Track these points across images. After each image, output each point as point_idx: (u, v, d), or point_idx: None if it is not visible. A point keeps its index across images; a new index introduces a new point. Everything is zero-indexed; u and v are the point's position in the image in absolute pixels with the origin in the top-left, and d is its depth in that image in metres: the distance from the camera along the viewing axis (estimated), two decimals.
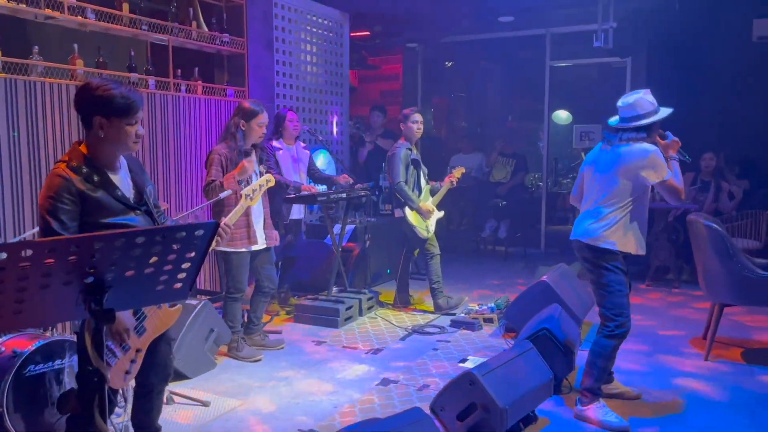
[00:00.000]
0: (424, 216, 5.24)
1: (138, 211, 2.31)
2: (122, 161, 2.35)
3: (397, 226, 6.51)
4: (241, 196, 3.10)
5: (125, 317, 2.30)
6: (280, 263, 5.21)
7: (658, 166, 3.20)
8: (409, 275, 5.63)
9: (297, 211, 5.25)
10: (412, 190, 5.21)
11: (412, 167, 5.22)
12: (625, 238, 3.26)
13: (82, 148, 2.24)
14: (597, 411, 3.28)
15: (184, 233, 1.56)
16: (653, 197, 6.13)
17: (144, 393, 2.60)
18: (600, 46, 6.60)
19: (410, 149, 5.23)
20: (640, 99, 3.28)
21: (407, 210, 5.20)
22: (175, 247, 1.58)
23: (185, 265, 1.66)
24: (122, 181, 2.31)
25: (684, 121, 7.65)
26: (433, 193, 5.45)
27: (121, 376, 2.36)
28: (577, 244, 3.38)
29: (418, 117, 5.24)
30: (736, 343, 4.54)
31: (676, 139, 3.35)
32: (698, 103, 7.91)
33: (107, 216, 2.22)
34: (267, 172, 4.00)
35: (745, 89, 7.75)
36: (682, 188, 3.25)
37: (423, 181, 5.35)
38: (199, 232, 1.59)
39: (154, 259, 1.58)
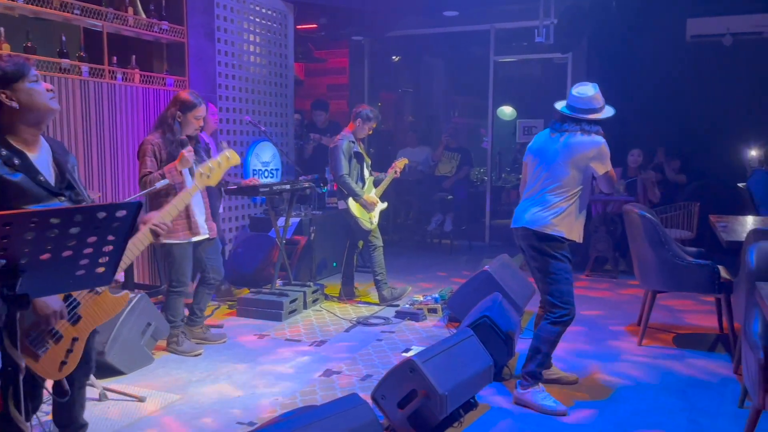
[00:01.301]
0: (368, 208, 5.24)
1: (62, 197, 2.21)
2: (43, 142, 2.24)
3: (343, 219, 6.49)
4: (183, 186, 2.99)
5: (52, 301, 2.13)
6: None
7: (605, 157, 3.31)
8: (354, 268, 5.61)
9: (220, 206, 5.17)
10: (356, 182, 5.20)
11: (354, 160, 5.21)
12: (572, 227, 3.32)
13: None
14: (536, 395, 3.34)
15: (104, 213, 1.49)
16: (592, 189, 6.34)
17: (74, 388, 2.49)
18: (542, 42, 6.73)
19: (353, 142, 5.21)
20: (598, 93, 3.35)
21: (350, 202, 5.18)
22: (95, 228, 1.51)
23: (107, 248, 1.59)
24: (44, 163, 2.20)
25: (620, 117, 7.91)
26: (376, 184, 5.45)
27: (56, 366, 2.25)
28: (523, 232, 3.40)
29: (375, 125, 5.30)
30: (668, 329, 4.71)
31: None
32: (634, 99, 8.16)
33: (28, 202, 2.11)
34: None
35: (679, 87, 8.05)
36: (615, 177, 3.41)
37: (366, 173, 5.34)
38: (121, 213, 1.53)
39: (72, 241, 1.51)
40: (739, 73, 7.76)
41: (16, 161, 2.10)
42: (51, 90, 2.18)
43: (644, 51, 8.15)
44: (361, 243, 5.45)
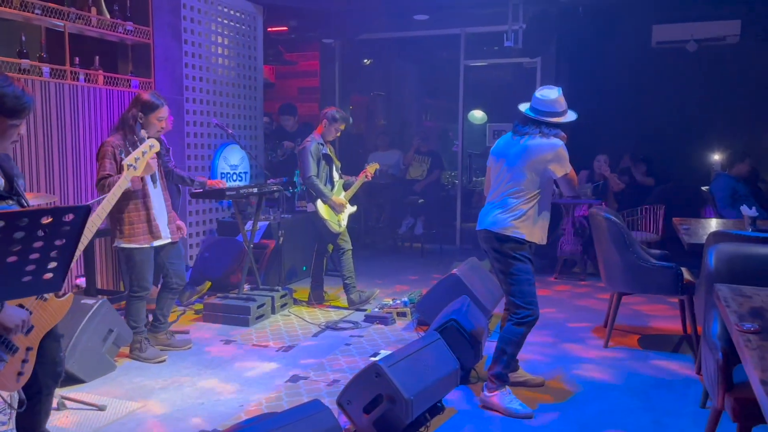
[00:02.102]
0: (337, 210, 5.21)
1: (11, 200, 2.16)
2: None
3: (312, 222, 6.44)
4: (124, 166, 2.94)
5: (17, 312, 2.07)
6: None
7: (564, 159, 3.32)
8: (323, 272, 5.57)
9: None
10: (324, 184, 5.16)
11: (323, 162, 5.18)
12: (532, 229, 3.34)
13: None
14: (502, 398, 3.35)
15: (50, 218, 1.44)
16: (559, 193, 6.41)
17: (32, 394, 2.42)
18: (511, 46, 6.78)
19: (322, 144, 5.18)
20: (561, 96, 3.38)
21: (319, 204, 5.15)
22: (41, 233, 1.47)
23: (54, 254, 1.54)
24: None
25: (588, 121, 8.01)
26: (346, 187, 5.42)
27: (14, 378, 2.19)
28: (485, 235, 3.42)
29: (342, 126, 5.26)
30: (634, 331, 4.77)
31: (564, 135, 3.45)
32: (602, 104, 8.28)
33: None
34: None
35: (645, 91, 8.19)
36: (577, 179, 3.43)
37: (335, 175, 5.31)
38: (69, 217, 1.48)
39: (17, 247, 1.46)
40: (703, 78, 7.92)
41: None
42: (21, 136, 2.19)
43: (611, 56, 8.26)
44: (330, 246, 5.41)
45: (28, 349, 2.22)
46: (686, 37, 7.78)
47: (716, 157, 7.24)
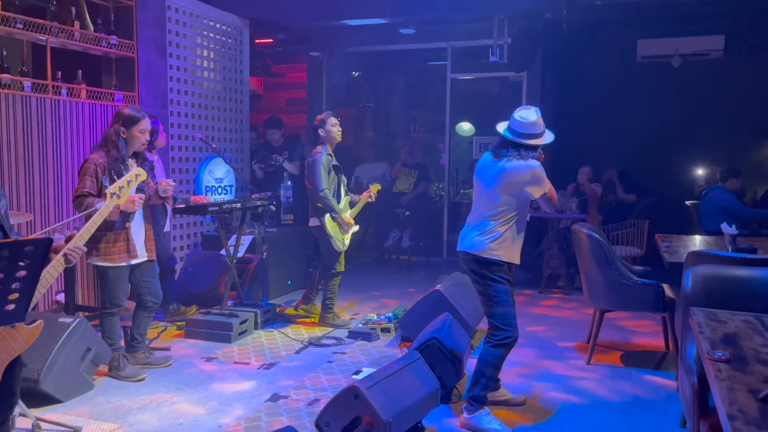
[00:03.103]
0: (344, 228, 5.09)
1: None
2: None
3: (297, 237, 6.41)
4: (107, 195, 2.93)
5: None
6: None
7: (540, 180, 3.31)
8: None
9: (167, 224, 5.05)
10: (332, 198, 5.03)
11: (333, 173, 5.05)
12: (510, 250, 3.34)
13: None
14: (481, 419, 3.33)
15: (7, 251, 1.42)
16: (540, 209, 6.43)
17: None
18: (496, 61, 6.81)
19: (330, 155, 5.06)
20: (540, 118, 3.35)
21: (327, 219, 4.99)
22: (1, 265, 1.44)
23: (16, 285, 1.51)
24: None
25: (573, 135, 8.07)
26: (351, 205, 5.32)
27: None
28: (464, 256, 3.43)
29: (334, 120, 5.09)
30: (617, 347, 4.77)
31: (542, 154, 3.42)
32: (587, 117, 8.34)
33: None
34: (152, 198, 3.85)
35: (630, 106, 8.26)
36: (556, 197, 3.46)
37: (342, 191, 5.20)
38: (29, 249, 1.46)
39: None
40: (687, 93, 8.00)
41: None
42: None
43: (596, 71, 8.34)
44: (341, 266, 5.24)
45: None
46: (671, 52, 7.85)
47: (700, 171, 7.30)
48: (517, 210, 3.33)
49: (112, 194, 2.90)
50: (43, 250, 1.48)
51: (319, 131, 5.08)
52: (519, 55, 6.83)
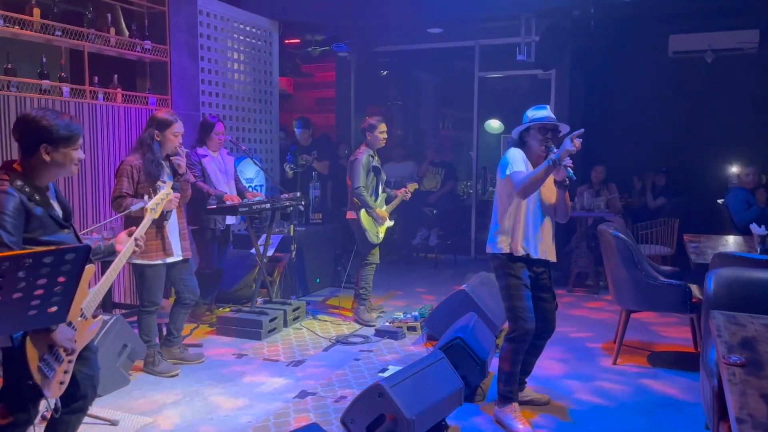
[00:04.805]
0: (378, 222, 5.32)
1: (67, 230, 2.45)
2: (51, 185, 2.49)
3: (327, 234, 6.54)
4: (146, 210, 3.08)
5: (67, 331, 2.35)
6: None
7: (511, 162, 3.29)
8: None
9: (228, 217, 5.22)
10: (370, 195, 5.27)
11: (372, 174, 5.29)
12: (514, 241, 3.35)
13: (17, 168, 2.37)
14: (507, 416, 3.38)
15: (51, 258, 1.53)
16: (573, 206, 6.41)
17: (71, 403, 2.57)
18: (523, 60, 6.80)
19: (372, 156, 5.30)
20: (527, 111, 3.42)
21: (362, 213, 5.25)
22: (43, 271, 1.55)
23: (58, 289, 1.62)
24: (53, 201, 2.46)
25: (603, 133, 8.00)
26: (387, 201, 5.55)
27: (57, 386, 2.38)
28: (487, 253, 3.52)
29: (383, 127, 5.35)
30: (644, 347, 4.75)
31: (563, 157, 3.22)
32: (618, 115, 8.26)
33: (45, 234, 2.36)
34: (180, 183, 3.97)
35: (662, 102, 8.14)
36: (523, 185, 3.19)
37: (380, 189, 5.44)
38: (70, 256, 1.57)
39: (22, 284, 1.55)
40: (721, 89, 7.85)
41: (37, 197, 2.35)
42: (81, 159, 2.48)
43: (627, 67, 8.24)
44: (375, 258, 5.46)
45: (70, 361, 2.42)
46: (704, 47, 7.73)
47: (734, 169, 7.17)
48: (509, 201, 3.35)
49: (151, 209, 3.09)
50: (83, 256, 1.59)
51: (367, 134, 5.32)
52: (547, 53, 6.81)
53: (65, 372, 2.40)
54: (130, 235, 2.81)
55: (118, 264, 2.69)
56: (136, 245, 2.77)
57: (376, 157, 5.37)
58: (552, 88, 7.87)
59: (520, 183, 3.21)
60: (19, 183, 2.31)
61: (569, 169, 3.20)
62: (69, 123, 2.43)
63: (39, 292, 1.60)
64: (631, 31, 7.92)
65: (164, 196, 3.25)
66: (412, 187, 5.69)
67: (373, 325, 5.23)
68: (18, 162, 2.40)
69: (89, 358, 2.62)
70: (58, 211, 2.46)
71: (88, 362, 2.61)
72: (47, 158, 2.36)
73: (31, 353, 2.24)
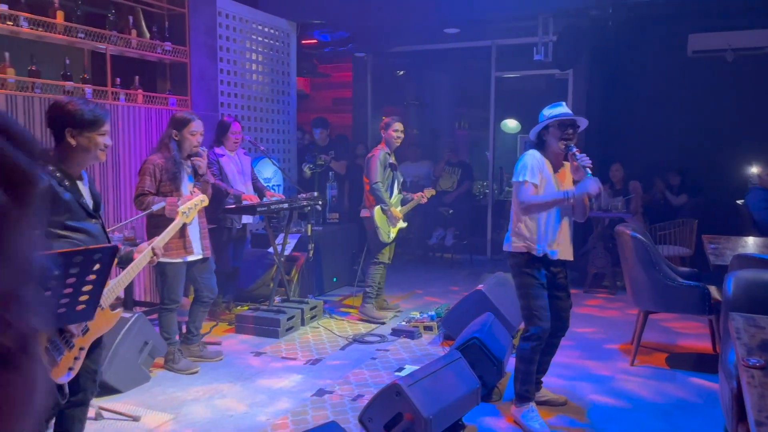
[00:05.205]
0: (392, 221, 5.33)
1: (95, 220, 2.50)
2: (84, 175, 2.54)
3: (343, 234, 6.57)
4: (177, 213, 3.16)
5: None
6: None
7: (522, 169, 3.30)
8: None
9: (245, 216, 5.28)
10: (385, 191, 5.29)
11: (389, 170, 5.33)
12: (528, 240, 3.35)
13: (50, 154, 2.43)
14: (525, 415, 3.39)
15: (81, 258, 1.57)
16: (591, 205, 6.38)
17: (71, 397, 2.60)
18: (541, 59, 6.78)
19: (389, 154, 5.34)
20: (543, 110, 3.42)
21: (376, 210, 5.28)
22: (73, 271, 1.60)
23: (86, 288, 1.67)
24: (84, 190, 2.51)
25: (622, 133, 7.95)
26: (403, 203, 5.56)
27: (65, 372, 2.41)
28: (504, 253, 3.54)
29: (399, 126, 5.37)
30: (662, 348, 4.73)
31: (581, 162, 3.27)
32: (636, 115, 8.19)
33: (71, 219, 2.41)
34: (201, 183, 4.03)
35: (681, 102, 8.07)
36: (530, 204, 3.24)
37: (396, 188, 5.45)
38: (97, 256, 1.61)
39: (52, 283, 1.59)
40: (741, 88, 7.76)
41: (67, 183, 2.42)
42: (107, 146, 2.54)
43: (645, 67, 8.17)
44: (386, 256, 5.51)
45: (81, 348, 2.46)
46: (724, 47, 7.64)
47: (754, 169, 7.09)
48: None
49: (183, 213, 3.17)
50: (111, 257, 1.64)
51: (382, 133, 5.36)
52: (564, 53, 6.78)
53: (76, 359, 2.43)
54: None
55: (136, 265, 2.74)
56: (154, 253, 2.80)
57: (393, 157, 5.40)
58: (569, 87, 7.84)
59: (528, 201, 3.25)
60: (50, 167, 2.38)
61: (588, 170, 3.21)
62: (94, 108, 2.51)
63: (68, 290, 1.65)
64: (649, 31, 7.86)
65: (198, 202, 3.32)
66: (430, 192, 5.72)
67: (383, 322, 5.29)
68: (51, 150, 2.48)
69: (96, 353, 2.66)
70: (89, 200, 2.53)
71: (94, 357, 2.64)
72: (73, 142, 2.44)
73: (40, 334, 2.28)
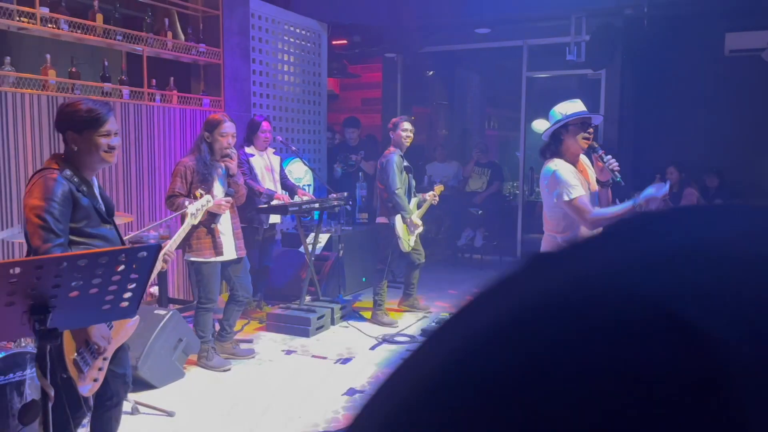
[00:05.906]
0: (410, 229, 5.24)
1: (109, 225, 2.48)
2: (94, 180, 2.50)
3: (372, 235, 6.58)
4: (186, 215, 3.20)
5: (104, 328, 2.37)
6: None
7: (560, 183, 3.04)
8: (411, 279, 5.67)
9: (272, 216, 5.33)
10: (404, 196, 5.19)
11: (405, 173, 5.23)
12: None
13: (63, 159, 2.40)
14: None
15: (125, 256, 1.61)
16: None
17: (104, 401, 2.65)
18: (573, 59, 6.72)
19: (401, 156, 5.22)
20: (555, 108, 3.25)
21: (398, 219, 5.14)
22: (117, 268, 1.64)
23: (130, 285, 1.71)
24: (97, 194, 2.49)
25: (657, 133, 7.82)
26: (419, 206, 5.48)
27: (90, 383, 2.44)
28: None
29: (407, 125, 5.22)
30: None
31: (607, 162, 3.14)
32: (671, 115, 8.06)
33: (89, 225, 2.39)
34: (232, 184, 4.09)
35: (717, 102, 7.91)
36: (588, 210, 3.02)
37: (412, 191, 5.38)
38: (142, 254, 1.65)
39: (98, 280, 1.64)
40: None
41: (84, 188, 2.39)
42: (113, 147, 2.43)
43: (681, 66, 8.03)
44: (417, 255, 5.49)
45: (105, 359, 2.47)
46: (762, 45, 7.47)
47: None
48: (565, 219, 3.14)
49: (191, 214, 3.18)
50: (154, 255, 1.68)
51: (390, 134, 5.28)
52: (597, 53, 6.71)
53: (99, 369, 2.44)
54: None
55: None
56: (164, 260, 2.77)
57: (404, 158, 5.25)
58: (602, 87, 7.74)
59: (596, 215, 2.99)
60: (68, 173, 2.33)
61: (616, 173, 3.15)
62: (92, 107, 2.37)
63: (113, 288, 1.69)
64: (685, 30, 7.72)
65: (204, 202, 3.35)
66: (439, 189, 5.56)
67: (396, 328, 5.25)
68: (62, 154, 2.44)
69: (121, 357, 2.65)
70: (102, 205, 2.50)
71: (119, 361, 2.63)
72: (74, 146, 2.36)
73: (68, 346, 2.28)
